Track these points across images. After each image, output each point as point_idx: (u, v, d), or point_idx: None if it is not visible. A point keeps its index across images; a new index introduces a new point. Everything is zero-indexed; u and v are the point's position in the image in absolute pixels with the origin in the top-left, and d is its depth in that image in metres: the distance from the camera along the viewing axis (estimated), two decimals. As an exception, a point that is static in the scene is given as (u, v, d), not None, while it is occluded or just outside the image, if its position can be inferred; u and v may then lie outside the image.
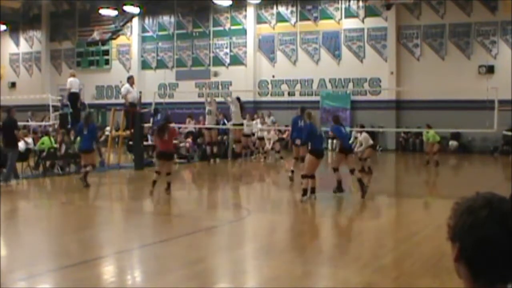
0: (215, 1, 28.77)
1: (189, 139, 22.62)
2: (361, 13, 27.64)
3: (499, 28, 25.09)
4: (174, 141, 13.92)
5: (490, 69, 24.90)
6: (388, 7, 25.82)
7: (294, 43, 29.00)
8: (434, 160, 19.10)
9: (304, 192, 11.55)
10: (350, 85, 27.80)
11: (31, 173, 16.73)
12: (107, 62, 33.70)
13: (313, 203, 11.97)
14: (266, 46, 29.64)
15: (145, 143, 19.71)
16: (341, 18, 28.05)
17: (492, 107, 15.54)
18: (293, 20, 29.07)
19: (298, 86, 28.76)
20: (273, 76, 29.42)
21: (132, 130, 18.60)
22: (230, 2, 28.98)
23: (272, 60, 29.52)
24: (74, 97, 19.23)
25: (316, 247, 8.35)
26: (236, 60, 30.23)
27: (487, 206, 1.52)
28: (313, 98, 28.22)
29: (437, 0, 26.23)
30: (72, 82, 19.16)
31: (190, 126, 23.57)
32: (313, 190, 11.73)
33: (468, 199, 1.58)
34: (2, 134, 14.93)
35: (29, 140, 17.55)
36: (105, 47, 33.76)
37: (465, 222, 1.53)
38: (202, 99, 30.10)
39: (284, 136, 27.67)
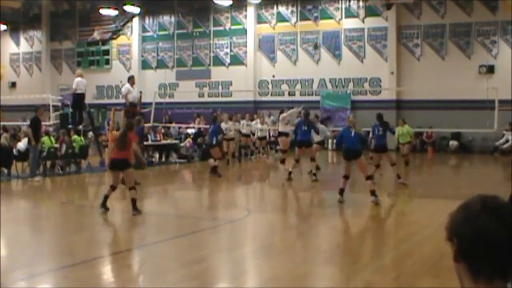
0: (215, 1, 28.76)
1: (189, 139, 22.64)
2: (362, 13, 27.63)
3: (500, 28, 25.08)
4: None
5: (491, 69, 24.88)
6: (389, 7, 25.81)
7: (294, 43, 28.99)
8: (404, 160, 18.37)
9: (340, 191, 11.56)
10: (351, 85, 27.80)
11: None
12: (107, 62, 33.69)
13: (313, 203, 11.98)
14: (267, 46, 29.63)
15: (145, 143, 19.71)
16: (341, 18, 28.04)
17: (492, 107, 15.57)
18: (293, 20, 29.06)
19: (298, 86, 28.76)
20: (273, 76, 29.41)
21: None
22: (231, 2, 28.97)
23: (272, 60, 29.51)
24: (79, 98, 19.16)
25: (316, 247, 8.35)
26: (237, 60, 30.23)
27: (480, 201, 1.56)
28: (314, 98, 28.23)
29: (437, 0, 26.23)
30: (79, 82, 19.01)
31: (198, 126, 23.60)
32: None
33: (466, 199, 1.62)
34: (31, 131, 15.90)
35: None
36: (105, 47, 33.76)
37: (460, 217, 1.57)
38: (202, 99, 30.25)
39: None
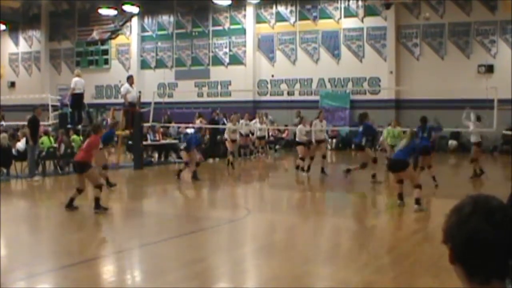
0: (214, 1, 28.75)
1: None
2: (361, 12, 27.63)
3: (499, 28, 25.08)
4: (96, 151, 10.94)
5: (490, 69, 24.89)
6: (388, 6, 25.81)
7: (293, 43, 28.99)
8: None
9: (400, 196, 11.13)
10: (350, 84, 27.80)
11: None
12: (106, 61, 33.67)
13: (313, 202, 11.93)
14: (266, 46, 29.63)
15: (144, 142, 19.71)
16: (340, 17, 28.04)
17: (491, 106, 15.55)
18: (292, 19, 29.06)
19: (297, 86, 28.76)
20: (273, 76, 29.40)
21: (132, 130, 18.60)
22: (230, 2, 28.95)
23: (271, 59, 29.51)
24: (78, 98, 19.12)
25: (316, 246, 8.35)
26: (236, 60, 30.22)
27: (471, 203, 1.56)
28: (313, 97, 28.22)
29: (436, 0, 26.24)
30: (77, 82, 18.97)
31: (197, 125, 23.53)
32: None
33: (459, 201, 1.62)
34: (29, 131, 15.85)
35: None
36: (104, 47, 33.74)
37: (453, 221, 1.57)
38: (201, 99, 30.24)
39: (284, 135, 27.70)
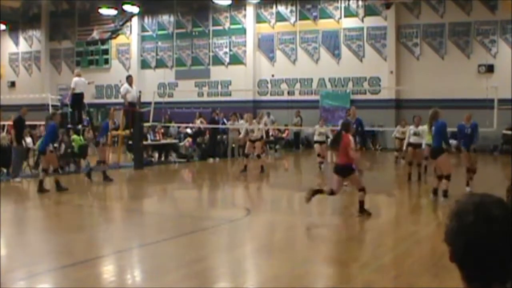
0: (214, 1, 28.75)
1: (189, 139, 22.64)
2: (361, 12, 27.64)
3: (499, 27, 25.07)
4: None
5: (490, 68, 24.89)
6: (388, 6, 25.83)
7: (293, 42, 28.99)
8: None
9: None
10: (350, 84, 27.81)
11: (31, 172, 16.76)
12: (106, 61, 33.69)
13: (313, 202, 11.89)
14: (266, 45, 29.63)
15: (144, 142, 19.71)
16: (340, 17, 28.04)
17: (491, 106, 15.57)
18: (292, 19, 29.06)
19: (297, 85, 28.77)
20: (273, 75, 29.41)
21: (132, 130, 18.60)
22: (230, 2, 28.95)
23: (271, 59, 29.51)
24: (78, 98, 19.09)
25: (316, 246, 8.35)
26: (236, 60, 30.23)
27: (474, 211, 1.54)
28: (313, 97, 28.24)
29: (436, 0, 26.25)
30: (77, 82, 18.90)
31: (198, 125, 23.51)
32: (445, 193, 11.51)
33: (460, 202, 1.61)
34: (14, 131, 15.94)
35: (28, 139, 17.71)
36: (104, 47, 33.76)
37: (454, 227, 1.57)
38: (201, 99, 30.25)
39: (284, 135, 27.70)
